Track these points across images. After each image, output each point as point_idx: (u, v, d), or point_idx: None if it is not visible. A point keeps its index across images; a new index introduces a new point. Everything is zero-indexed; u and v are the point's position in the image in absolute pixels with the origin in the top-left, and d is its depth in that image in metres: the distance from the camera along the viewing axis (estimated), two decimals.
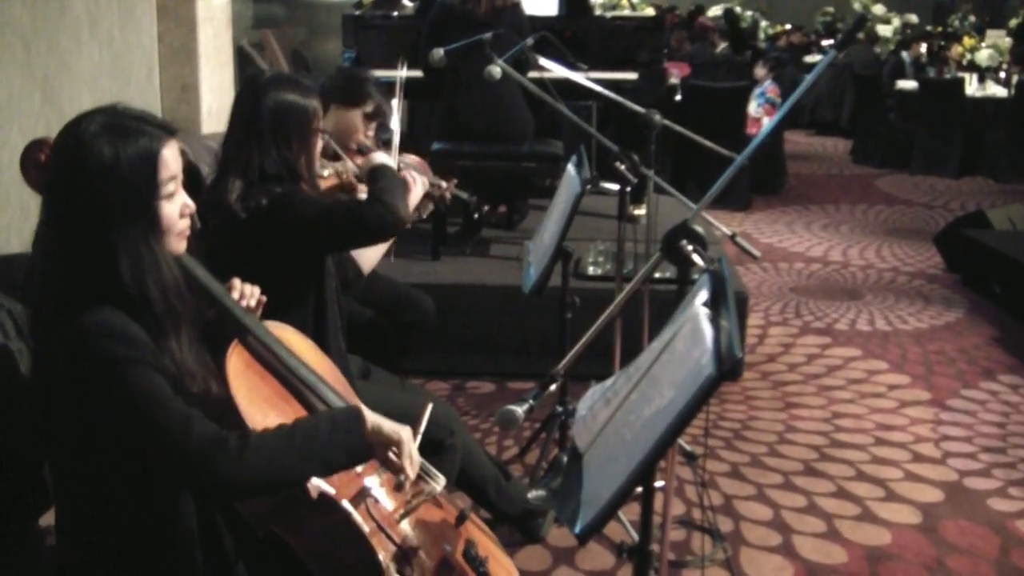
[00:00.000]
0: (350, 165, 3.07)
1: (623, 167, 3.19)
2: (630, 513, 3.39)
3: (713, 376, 1.57)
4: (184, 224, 1.89)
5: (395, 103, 3.90)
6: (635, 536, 3.19)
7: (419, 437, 2.06)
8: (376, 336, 3.65)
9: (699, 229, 2.24)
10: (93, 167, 1.73)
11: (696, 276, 2.16)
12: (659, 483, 3.62)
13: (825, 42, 18.22)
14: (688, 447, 3.92)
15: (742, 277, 6.38)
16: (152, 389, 1.72)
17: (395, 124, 3.86)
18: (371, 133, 3.66)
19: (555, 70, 3.82)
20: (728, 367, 1.56)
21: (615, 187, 5.05)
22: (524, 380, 4.61)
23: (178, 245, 1.91)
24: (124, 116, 1.80)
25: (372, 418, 1.89)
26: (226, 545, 1.94)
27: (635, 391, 1.85)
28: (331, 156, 3.13)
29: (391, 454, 1.92)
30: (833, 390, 4.65)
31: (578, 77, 3.77)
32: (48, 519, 2.30)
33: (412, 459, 1.95)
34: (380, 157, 2.90)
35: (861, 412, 4.41)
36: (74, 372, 1.71)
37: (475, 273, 4.95)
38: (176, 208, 1.85)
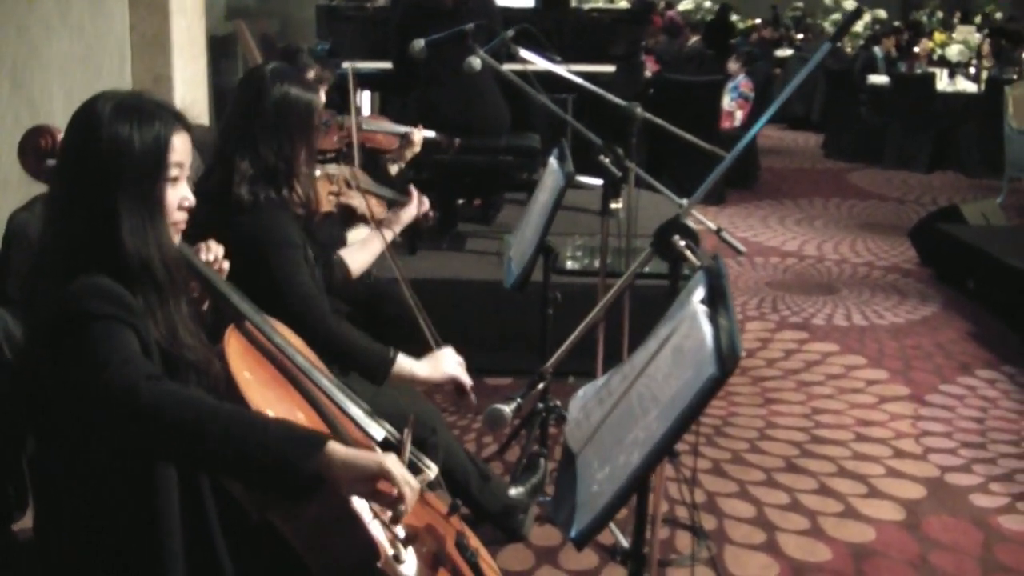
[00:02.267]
0: (344, 170, 3.02)
1: (607, 160, 3.15)
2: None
3: (715, 376, 1.53)
4: (180, 216, 1.92)
5: (356, 99, 3.89)
6: (621, 538, 3.17)
7: (406, 456, 1.96)
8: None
9: (691, 225, 2.20)
10: (107, 141, 1.77)
11: (688, 272, 2.13)
12: None
13: (798, 36, 18.30)
14: None
15: None
16: (116, 342, 1.69)
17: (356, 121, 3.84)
18: (322, 101, 3.62)
19: (535, 62, 3.76)
20: (731, 366, 1.52)
21: (594, 181, 5.01)
22: (502, 376, 4.56)
23: (173, 235, 1.92)
24: (142, 100, 1.86)
25: (341, 452, 1.67)
26: (215, 543, 1.89)
27: (631, 391, 1.80)
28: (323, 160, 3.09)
29: (381, 487, 1.71)
30: (812, 386, 4.64)
31: (559, 70, 3.72)
32: (22, 524, 2.23)
33: (409, 485, 1.72)
34: (412, 367, 2.69)
35: (841, 408, 4.39)
36: (55, 332, 1.71)
37: (452, 267, 4.89)
38: (177, 196, 1.88)
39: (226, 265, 2.16)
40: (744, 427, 4.17)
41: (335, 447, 1.67)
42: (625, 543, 3.13)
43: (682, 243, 2.16)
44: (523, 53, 3.75)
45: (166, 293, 1.84)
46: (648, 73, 9.70)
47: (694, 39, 14.16)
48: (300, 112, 2.59)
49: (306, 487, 1.66)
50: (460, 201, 5.84)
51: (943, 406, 4.43)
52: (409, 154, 3.64)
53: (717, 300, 1.77)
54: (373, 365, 2.60)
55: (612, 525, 3.21)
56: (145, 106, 1.84)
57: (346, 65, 5.29)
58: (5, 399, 2.07)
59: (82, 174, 1.80)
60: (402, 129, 3.75)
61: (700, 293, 1.82)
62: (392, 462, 1.71)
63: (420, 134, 3.72)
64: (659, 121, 3.88)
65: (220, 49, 5.80)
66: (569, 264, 4.75)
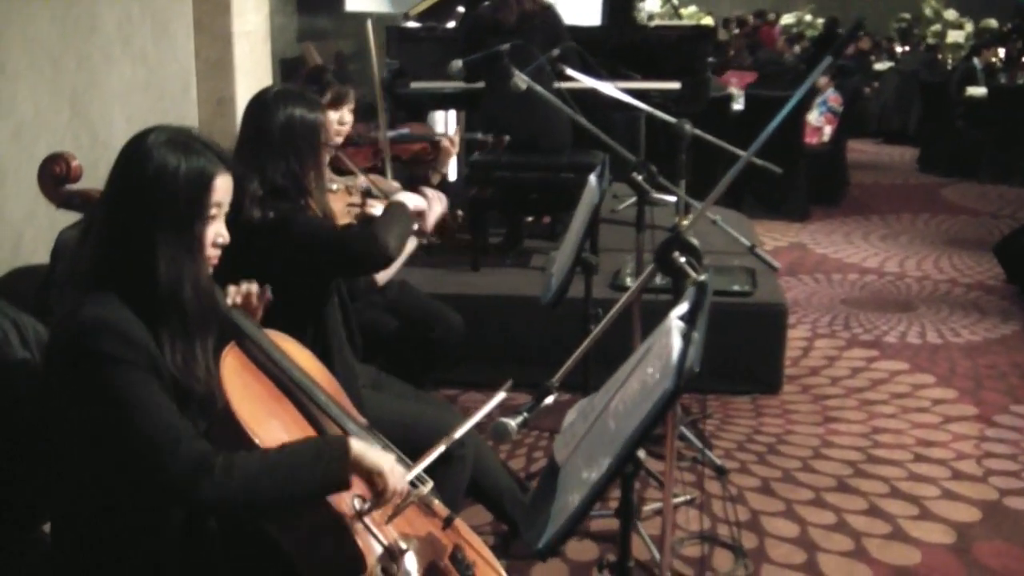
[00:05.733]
0: (360, 180, 3.08)
1: (640, 178, 3.16)
2: (651, 528, 3.35)
3: (669, 391, 1.54)
4: (214, 253, 2.00)
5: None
6: (656, 553, 3.17)
7: (419, 468, 2.17)
8: (399, 348, 3.65)
9: (693, 240, 2.21)
10: (154, 171, 1.88)
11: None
12: (683, 498, 3.60)
13: (899, 48, 17.88)
14: (719, 461, 3.88)
15: (791, 289, 6.28)
16: (144, 396, 1.80)
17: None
18: (349, 118, 3.65)
19: (582, 80, 3.80)
20: (685, 382, 1.53)
21: (668, 198, 5.02)
22: (560, 392, 4.55)
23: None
24: (193, 137, 1.95)
25: (357, 447, 1.92)
26: (212, 546, 1.98)
27: (610, 404, 1.82)
28: (341, 171, 3.15)
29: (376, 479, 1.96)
30: (875, 404, 4.54)
31: (604, 87, 3.75)
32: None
33: (395, 490, 1.97)
34: (400, 196, 2.92)
35: (902, 427, 4.29)
36: (67, 364, 1.82)
37: (513, 284, 4.93)
38: (212, 233, 1.96)
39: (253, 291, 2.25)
40: (799, 445, 4.11)
41: (353, 442, 1.93)
42: (656, 554, 3.13)
43: (682, 259, 2.17)
44: (569, 71, 3.80)
45: (192, 327, 1.92)
46: (733, 89, 9.64)
47: (792, 51, 14.07)
48: (306, 132, 2.66)
49: (346, 480, 1.91)
50: (529, 219, 5.89)
51: (1012, 427, 4.30)
52: (446, 160, 3.65)
53: (696, 316, 1.78)
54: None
55: (647, 539, 3.22)
56: (195, 144, 1.93)
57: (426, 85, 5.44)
58: (35, 404, 2.19)
59: (128, 198, 1.90)
60: (434, 136, 3.76)
61: (683, 308, 1.83)
62: (390, 465, 1.96)
63: (454, 138, 3.70)
64: (708, 136, 3.89)
65: (291, 71, 5.97)
66: (628, 281, 4.75)
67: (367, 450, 1.94)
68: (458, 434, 2.32)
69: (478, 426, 3.49)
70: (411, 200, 2.97)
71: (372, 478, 1.93)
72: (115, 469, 1.84)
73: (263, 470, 1.82)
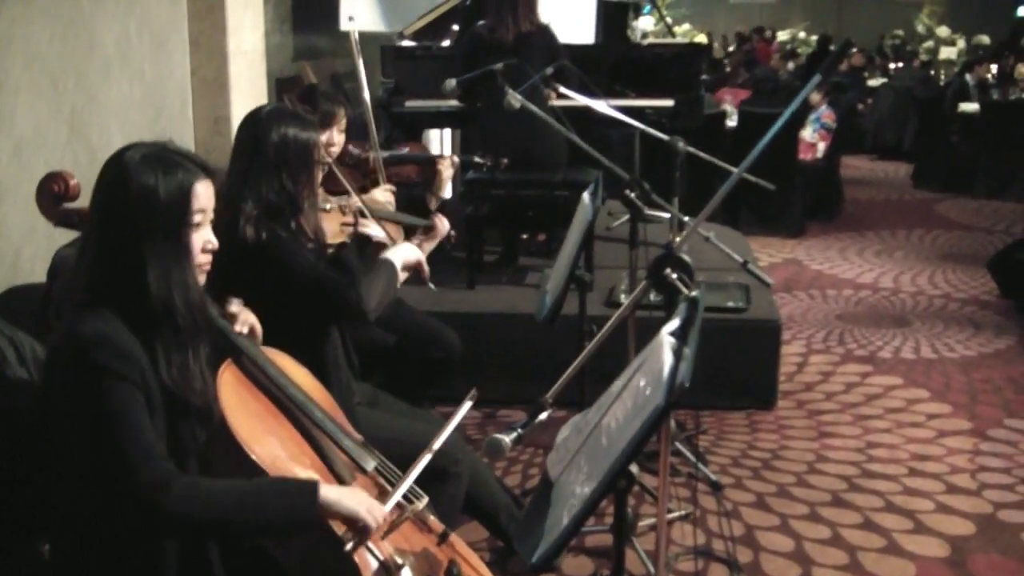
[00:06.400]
0: (353, 200, 3.09)
1: (633, 195, 3.19)
2: (646, 543, 3.36)
3: (660, 406, 1.56)
4: (204, 259, 2.02)
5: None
6: (651, 566, 3.18)
7: (404, 486, 2.16)
8: (396, 366, 3.66)
9: (685, 257, 2.23)
10: (134, 189, 1.89)
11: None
12: (677, 513, 3.61)
13: (892, 65, 17.96)
14: (714, 476, 3.89)
15: (786, 305, 6.30)
16: (128, 411, 1.82)
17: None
18: (339, 139, 3.63)
19: (576, 98, 3.83)
20: (676, 398, 1.55)
21: (663, 215, 5.05)
22: (556, 408, 4.57)
23: (198, 277, 2.03)
24: (167, 150, 1.97)
25: (329, 494, 1.93)
26: (212, 562, 2.00)
27: (603, 419, 1.84)
28: (334, 191, 3.17)
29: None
30: (869, 419, 4.56)
31: (598, 105, 3.78)
32: None
33: (373, 515, 1.97)
34: (392, 253, 2.91)
35: (896, 442, 4.31)
36: (68, 378, 1.84)
37: (509, 301, 4.94)
38: (200, 240, 1.99)
39: (256, 327, 2.26)
40: (794, 460, 4.13)
41: (324, 490, 1.92)
42: (652, 569, 3.14)
43: (674, 276, 2.19)
44: (563, 90, 3.83)
45: (184, 337, 1.95)
46: (728, 107, 9.69)
47: (788, 67, 14.17)
48: (299, 151, 2.69)
49: (313, 524, 1.93)
50: (524, 236, 5.91)
51: (1006, 441, 4.32)
52: (440, 183, 3.65)
53: (688, 332, 1.80)
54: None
55: (643, 554, 3.23)
56: (170, 157, 1.96)
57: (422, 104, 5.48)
58: (32, 420, 2.20)
59: (111, 220, 1.92)
60: (432, 157, 3.76)
61: (674, 324, 1.85)
62: (366, 510, 1.96)
63: (449, 161, 3.71)
64: (702, 154, 3.92)
65: (287, 90, 5.99)
66: (623, 298, 4.77)
67: (341, 497, 1.94)
68: (436, 445, 2.31)
69: (473, 443, 3.50)
70: (404, 256, 2.93)
71: (351, 523, 1.95)
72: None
73: (226, 497, 1.85)
